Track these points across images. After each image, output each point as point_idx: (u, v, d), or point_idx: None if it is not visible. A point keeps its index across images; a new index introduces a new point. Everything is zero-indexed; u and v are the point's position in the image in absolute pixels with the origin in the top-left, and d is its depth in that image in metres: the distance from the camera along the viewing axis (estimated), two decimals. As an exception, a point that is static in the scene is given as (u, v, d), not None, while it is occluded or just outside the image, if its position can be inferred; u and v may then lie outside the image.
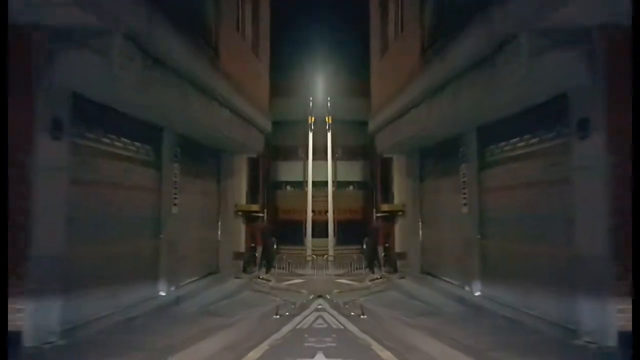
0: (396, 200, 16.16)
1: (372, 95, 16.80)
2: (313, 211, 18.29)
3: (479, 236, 10.41)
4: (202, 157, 13.25)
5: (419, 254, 14.29)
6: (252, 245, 17.03)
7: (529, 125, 8.47)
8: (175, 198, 10.89)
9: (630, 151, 4.75)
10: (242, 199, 16.44)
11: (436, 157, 13.18)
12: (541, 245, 8.06)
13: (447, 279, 12.24)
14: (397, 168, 16.27)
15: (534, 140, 8.42)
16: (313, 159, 18.59)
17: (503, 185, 9.60)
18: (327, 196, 18.43)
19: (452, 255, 11.99)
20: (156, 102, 8.46)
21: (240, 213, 16.29)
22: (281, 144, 19.91)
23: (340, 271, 16.64)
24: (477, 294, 10.31)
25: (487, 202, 10.25)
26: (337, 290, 12.83)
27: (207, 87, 10.32)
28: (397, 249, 16.09)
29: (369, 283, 14.09)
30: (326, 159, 18.65)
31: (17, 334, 6.19)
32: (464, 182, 11.05)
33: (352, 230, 18.78)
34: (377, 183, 18.02)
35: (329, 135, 18.37)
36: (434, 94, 10.23)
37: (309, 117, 18.63)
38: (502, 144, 9.58)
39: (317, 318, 9.77)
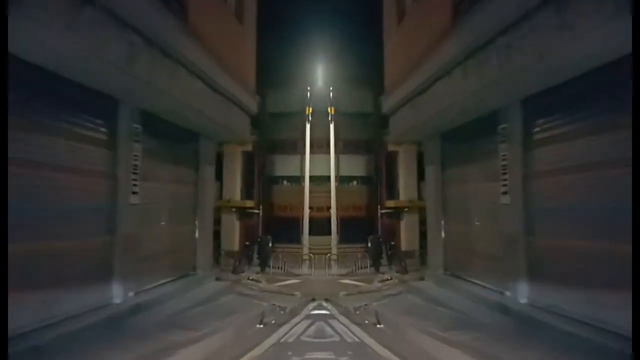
0: (402, 196, 15.76)
1: (385, 71, 15.03)
2: (312, 207, 17.10)
3: (524, 230, 8.59)
4: (175, 140, 11.38)
5: (440, 252, 12.55)
6: (247, 243, 16.42)
7: (592, 92, 6.82)
8: (134, 185, 9.02)
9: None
10: (236, 195, 16.11)
11: (463, 139, 11.33)
12: (606, 241, 6.51)
13: (478, 281, 10.46)
14: (402, 162, 15.74)
15: (596, 111, 6.81)
16: (313, 153, 17.76)
17: (556, 169, 7.82)
18: (328, 192, 17.40)
19: (485, 253, 10.20)
20: (106, 66, 6.75)
21: (234, 209, 16.00)
22: (277, 137, 19.03)
23: (344, 271, 15.32)
24: (523, 301, 8.48)
25: (535, 190, 8.44)
26: (344, 293, 11.34)
27: (171, 49, 8.49)
28: (404, 247, 15.52)
29: (379, 284, 12.56)
30: (327, 153, 17.87)
31: None
32: (504, 166, 9.20)
33: (355, 228, 17.46)
34: (382, 178, 17.43)
35: (332, 127, 17.19)
36: (470, 56, 8.41)
37: (307, 108, 17.43)
38: (556, 116, 7.84)
39: (321, 326, 8.15)
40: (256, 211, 17.58)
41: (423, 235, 16.13)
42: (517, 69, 7.16)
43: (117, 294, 8.40)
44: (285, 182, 19.25)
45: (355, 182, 18.80)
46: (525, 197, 8.58)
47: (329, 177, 17.54)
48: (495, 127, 9.44)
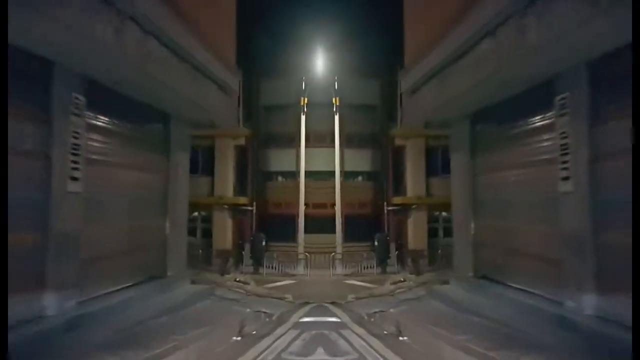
0: (409, 193, 15.33)
1: (405, 42, 13.51)
2: (307, 204, 15.85)
3: (591, 225, 6.83)
4: (137, 118, 9.49)
5: (469, 252, 10.74)
6: (240, 242, 15.82)
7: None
8: (75, 169, 7.25)
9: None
10: (229, 191, 15.55)
11: (503, 118, 9.51)
12: None
13: (522, 286, 8.67)
14: (410, 156, 15.27)
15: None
16: (314, 146, 16.70)
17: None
18: (328, 188, 16.34)
19: (534, 254, 8.37)
20: (33, 16, 5.35)
21: (226, 206, 15.45)
22: (272, 130, 17.80)
23: (349, 271, 14.46)
24: (589, 312, 6.70)
25: (605, 175, 6.69)
26: (353, 296, 10.09)
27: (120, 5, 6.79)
28: (411, 246, 14.95)
29: (391, 287, 11.38)
30: (327, 147, 16.73)
31: None
32: (564, 145, 7.39)
33: (360, 226, 16.37)
34: (388, 173, 16.52)
35: (337, 119, 15.89)
36: (529, 5, 6.66)
37: (302, 99, 16.10)
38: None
39: (332, 339, 6.52)
40: (250, 208, 16.55)
41: (432, 234, 15.72)
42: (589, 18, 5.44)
43: (51, 304, 6.61)
44: (280, 178, 17.92)
45: (360, 178, 17.71)
46: (593, 184, 6.84)
47: (329, 173, 16.39)
48: (550, 99, 7.68)
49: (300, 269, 14.65)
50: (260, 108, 17.51)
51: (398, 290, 10.72)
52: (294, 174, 16.80)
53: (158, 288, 9.30)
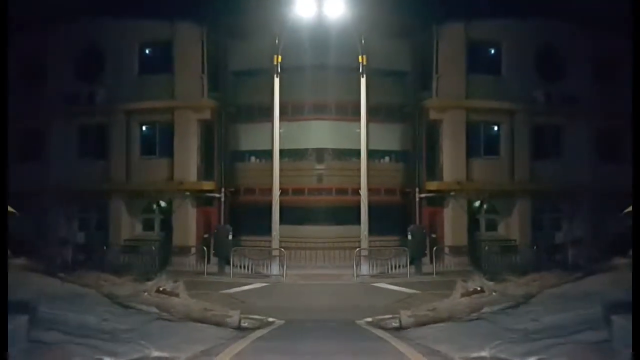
0: (446, 177, 13.68)
1: None
2: (284, 190, 13.66)
3: None
4: None
5: None
6: (206, 236, 14.18)
7: None
8: None
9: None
10: (191, 175, 14.17)
11: None
12: None
13: None
14: (448, 132, 13.67)
15: None
16: (318, 118, 14.84)
17: None
18: (328, 169, 14.82)
19: None
20: None
21: (188, 193, 14.10)
22: (245, 101, 15.62)
23: (375, 271, 12.46)
24: None
25: None
26: (408, 315, 7.21)
27: None
28: (448, 241, 13.42)
29: (463, 299, 8.23)
30: (329, 119, 14.86)
31: None
32: None
33: (386, 216, 14.41)
34: (421, 153, 14.52)
35: (363, 82, 13.31)
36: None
37: (275, 56, 13.44)
38: None
39: None
40: (217, 195, 14.82)
41: (473, 226, 13.91)
42: None
43: None
44: (253, 159, 15.76)
45: (387, 159, 15.65)
46: None
47: (334, 152, 14.73)
48: None
49: (275, 269, 12.67)
50: (229, 74, 15.33)
51: (486, 311, 7.37)
52: (285, 154, 14.33)
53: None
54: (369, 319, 7.42)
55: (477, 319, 6.94)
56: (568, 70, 14.40)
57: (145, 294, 8.44)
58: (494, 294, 8.71)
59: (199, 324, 6.76)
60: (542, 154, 14.36)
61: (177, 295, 8.35)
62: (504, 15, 13.85)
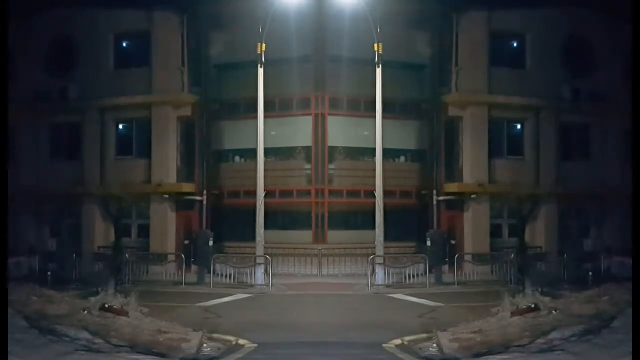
0: (467, 178, 13.24)
1: None
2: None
3: None
4: None
5: None
6: (186, 242, 13.54)
7: None
8: None
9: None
10: (171, 177, 13.63)
11: None
12: None
13: None
14: (469, 131, 13.28)
15: None
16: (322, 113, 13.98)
17: None
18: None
19: None
20: None
21: (167, 196, 13.57)
22: (227, 97, 14.85)
23: (391, 280, 11.63)
24: None
25: None
26: (449, 337, 5.94)
27: None
28: (468, 247, 12.88)
29: (517, 320, 6.89)
30: (343, 115, 14.16)
31: None
32: None
33: (401, 220, 13.79)
34: (440, 153, 14.12)
35: (379, 73, 12.22)
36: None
37: (259, 45, 12.33)
38: None
39: None
40: (199, 198, 14.14)
41: (496, 233, 13.20)
42: None
43: None
44: (237, 159, 14.78)
45: (403, 159, 14.89)
46: None
47: (336, 150, 13.98)
48: None
49: (260, 278, 11.66)
50: (211, 67, 14.56)
51: (555, 338, 5.92)
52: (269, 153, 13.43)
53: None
54: (397, 341, 6.04)
55: (550, 350, 5.37)
56: (598, 64, 13.96)
57: (85, 312, 7.00)
58: (554, 312, 7.14)
59: (138, 356, 5.30)
60: (569, 154, 14.13)
61: (125, 314, 6.88)
62: (529, 4, 13.24)
